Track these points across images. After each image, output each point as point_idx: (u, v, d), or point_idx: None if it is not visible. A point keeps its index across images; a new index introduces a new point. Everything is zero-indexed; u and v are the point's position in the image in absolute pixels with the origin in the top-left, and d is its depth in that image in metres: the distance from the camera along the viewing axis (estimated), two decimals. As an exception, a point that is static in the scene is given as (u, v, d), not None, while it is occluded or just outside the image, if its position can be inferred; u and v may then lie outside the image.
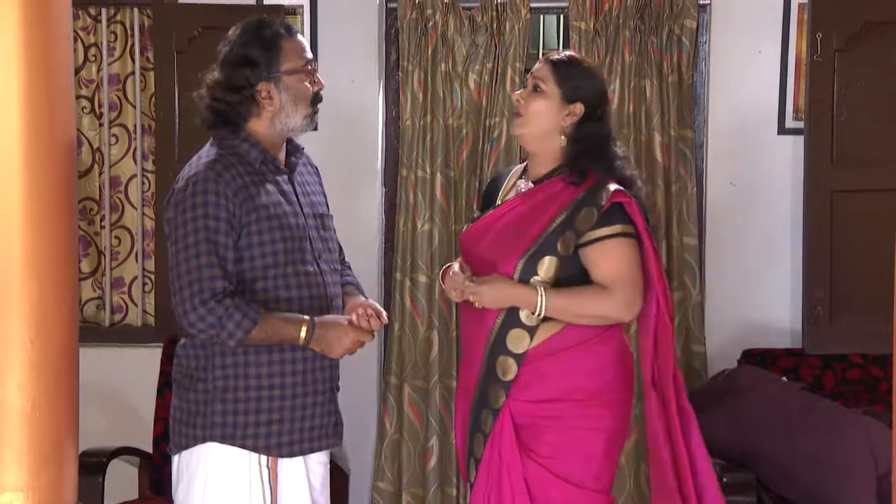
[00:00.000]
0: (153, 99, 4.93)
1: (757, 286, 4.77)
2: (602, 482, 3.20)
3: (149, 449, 4.56)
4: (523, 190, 3.31)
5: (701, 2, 4.72)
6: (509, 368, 3.19)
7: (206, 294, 2.91)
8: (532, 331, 3.17)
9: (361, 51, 4.83)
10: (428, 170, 4.78)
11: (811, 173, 4.57)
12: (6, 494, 2.42)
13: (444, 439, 4.84)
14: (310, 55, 3.14)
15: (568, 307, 3.14)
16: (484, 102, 4.77)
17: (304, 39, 3.17)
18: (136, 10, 4.93)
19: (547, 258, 3.15)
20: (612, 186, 3.15)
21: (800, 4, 4.65)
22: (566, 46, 5.12)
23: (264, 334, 2.97)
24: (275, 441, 3.05)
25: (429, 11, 4.75)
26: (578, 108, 3.20)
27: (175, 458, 3.13)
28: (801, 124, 4.66)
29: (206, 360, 3.04)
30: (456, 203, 4.84)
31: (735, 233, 4.77)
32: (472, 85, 4.79)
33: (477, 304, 3.16)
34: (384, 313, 3.18)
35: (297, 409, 3.07)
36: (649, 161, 4.71)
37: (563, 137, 3.22)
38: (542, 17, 5.14)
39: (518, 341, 3.18)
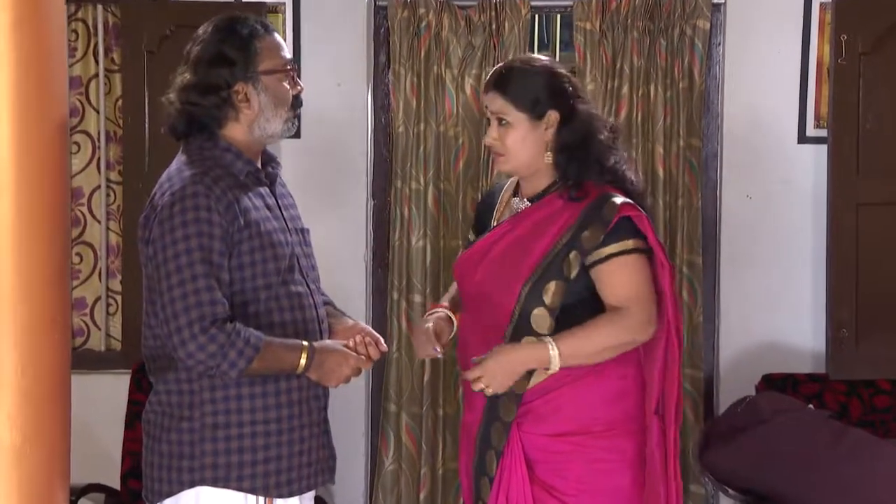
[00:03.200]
0: (119, 103, 4.87)
1: (775, 306, 4.77)
2: None
3: (116, 485, 4.48)
4: (520, 209, 3.25)
5: (715, 1, 4.72)
6: (510, 409, 3.14)
7: (206, 321, 2.81)
8: (529, 371, 3.11)
9: (348, 52, 4.79)
10: (422, 181, 4.76)
11: (835, 185, 4.59)
12: (-6, 535, 2.37)
13: (435, 468, 4.84)
14: (288, 55, 3.09)
15: (584, 348, 3.07)
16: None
17: (282, 38, 3.12)
18: (99, 6, 4.87)
19: (553, 283, 3.09)
20: (619, 199, 3.09)
21: (821, 4, 4.67)
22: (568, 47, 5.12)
23: (265, 363, 2.89)
24: (273, 480, 2.98)
25: (422, 10, 4.72)
26: (553, 116, 3.14)
27: None
28: (823, 132, 4.68)
29: (191, 395, 2.95)
30: (452, 217, 4.82)
31: (752, 249, 4.78)
32: (468, 90, 4.76)
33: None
34: (382, 340, 3.14)
35: (295, 443, 3.01)
36: (656, 175, 4.70)
37: (548, 153, 3.17)
38: (544, 15, 5.11)
39: (517, 381, 3.11)
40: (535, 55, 3.34)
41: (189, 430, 2.94)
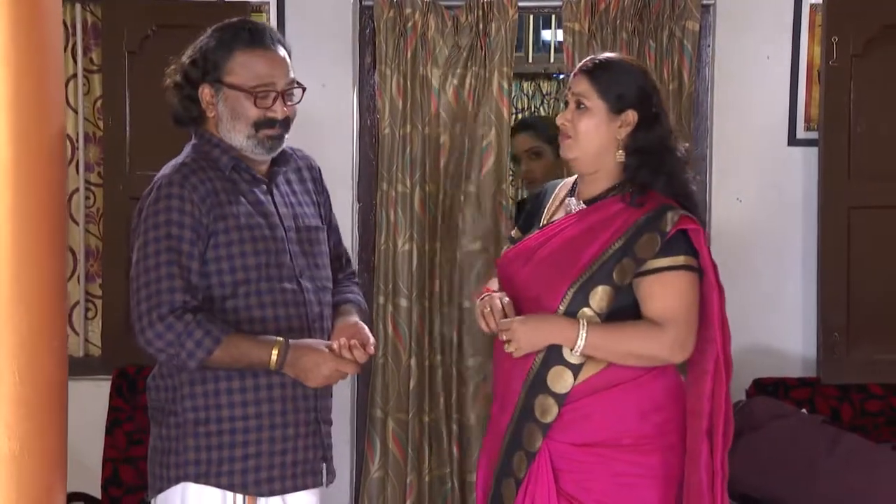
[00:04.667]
0: (98, 104, 4.87)
1: (766, 310, 4.79)
2: None
3: (97, 493, 4.48)
4: (574, 210, 3.24)
5: (704, 2, 4.74)
6: (549, 409, 3.11)
7: (164, 308, 2.89)
8: (576, 368, 3.09)
9: (333, 53, 4.79)
10: (408, 184, 4.77)
11: (826, 188, 4.61)
12: (-11, 547, 2.37)
13: (422, 475, 4.85)
14: (274, 78, 3.06)
15: (612, 345, 3.07)
16: (469, 109, 4.75)
17: (282, 58, 3.09)
18: (78, 5, 4.86)
19: (600, 288, 3.07)
20: (679, 212, 3.08)
21: (811, 5, 4.70)
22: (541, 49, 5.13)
23: (230, 356, 2.94)
24: (252, 478, 3.02)
25: (408, 10, 4.73)
26: (631, 116, 3.14)
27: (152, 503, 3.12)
28: (813, 135, 4.71)
29: (174, 390, 3.02)
30: (439, 221, 4.82)
31: (741, 252, 4.79)
32: (451, 91, 4.77)
33: (513, 352, 3.08)
34: (372, 342, 3.13)
35: (278, 441, 3.04)
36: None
37: (620, 152, 3.16)
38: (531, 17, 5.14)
39: (560, 380, 3.10)
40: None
41: (175, 424, 3.02)
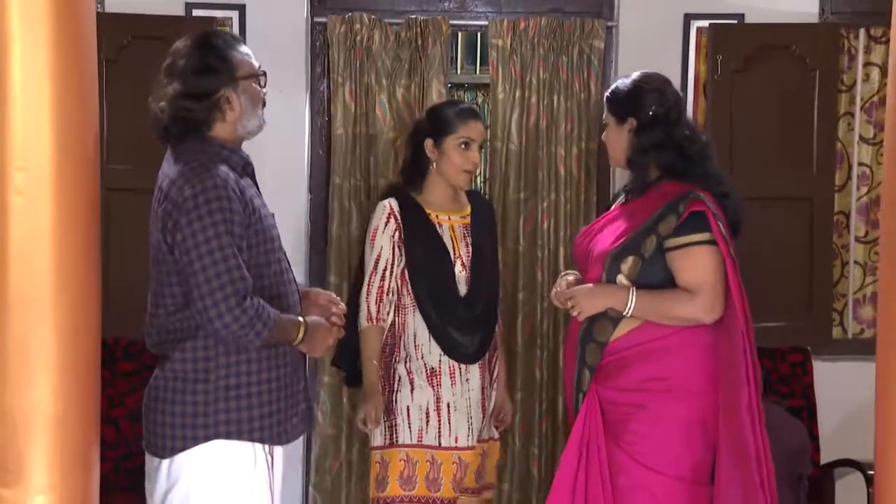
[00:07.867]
0: (78, 107, 4.91)
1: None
2: (681, 469, 3.41)
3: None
4: (624, 200, 3.67)
5: (608, 24, 5.04)
6: (595, 355, 3.48)
7: (240, 295, 3.02)
8: (616, 321, 3.46)
9: (288, 63, 4.95)
10: (358, 177, 4.98)
11: (711, 185, 4.88)
12: (39, 497, 2.51)
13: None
14: (256, 62, 3.28)
15: (655, 307, 3.41)
16: (416, 114, 4.89)
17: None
18: (59, 18, 4.90)
19: (631, 257, 3.44)
20: (693, 196, 3.42)
21: (698, 28, 5.01)
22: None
23: (276, 335, 3.12)
24: (276, 431, 3.21)
25: (357, 26, 4.92)
26: (631, 123, 3.55)
27: (165, 462, 3.17)
28: (700, 138, 4.98)
29: (207, 361, 3.14)
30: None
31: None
32: (399, 97, 4.97)
33: (576, 315, 3.48)
34: (340, 301, 3.44)
35: (290, 398, 3.25)
36: (559, 174, 5.02)
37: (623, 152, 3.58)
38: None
39: (604, 331, 3.46)
40: (653, 73, 3.67)
41: (204, 391, 3.13)
